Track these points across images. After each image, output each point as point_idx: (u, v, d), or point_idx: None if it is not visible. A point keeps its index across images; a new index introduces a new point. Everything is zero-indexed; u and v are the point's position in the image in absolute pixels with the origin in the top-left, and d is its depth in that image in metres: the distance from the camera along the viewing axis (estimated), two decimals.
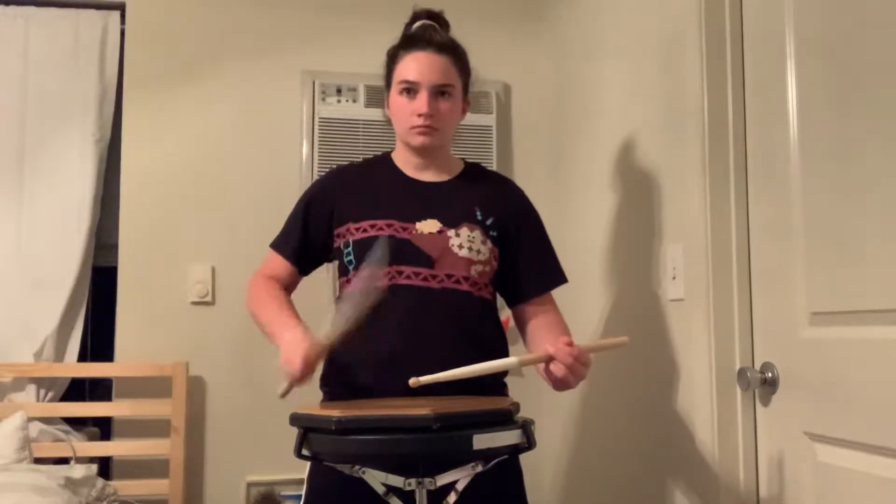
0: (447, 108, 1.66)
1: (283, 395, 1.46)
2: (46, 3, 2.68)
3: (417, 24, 1.71)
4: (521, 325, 1.74)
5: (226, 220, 2.69)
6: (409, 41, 1.68)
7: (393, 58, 1.70)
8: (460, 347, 1.58)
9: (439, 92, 1.64)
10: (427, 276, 1.60)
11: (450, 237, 1.62)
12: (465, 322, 1.61)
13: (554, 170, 2.78)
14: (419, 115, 1.63)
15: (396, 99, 1.67)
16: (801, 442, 1.54)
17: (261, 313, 1.67)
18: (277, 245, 1.76)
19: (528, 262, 1.71)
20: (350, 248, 1.65)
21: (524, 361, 1.43)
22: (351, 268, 1.65)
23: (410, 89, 1.64)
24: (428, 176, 1.71)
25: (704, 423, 1.77)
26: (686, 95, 1.86)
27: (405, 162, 1.73)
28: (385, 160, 1.76)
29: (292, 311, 1.65)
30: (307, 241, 1.72)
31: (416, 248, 1.61)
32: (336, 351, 1.65)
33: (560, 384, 1.46)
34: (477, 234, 1.64)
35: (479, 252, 1.63)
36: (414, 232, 1.62)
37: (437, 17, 1.73)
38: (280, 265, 1.74)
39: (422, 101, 1.63)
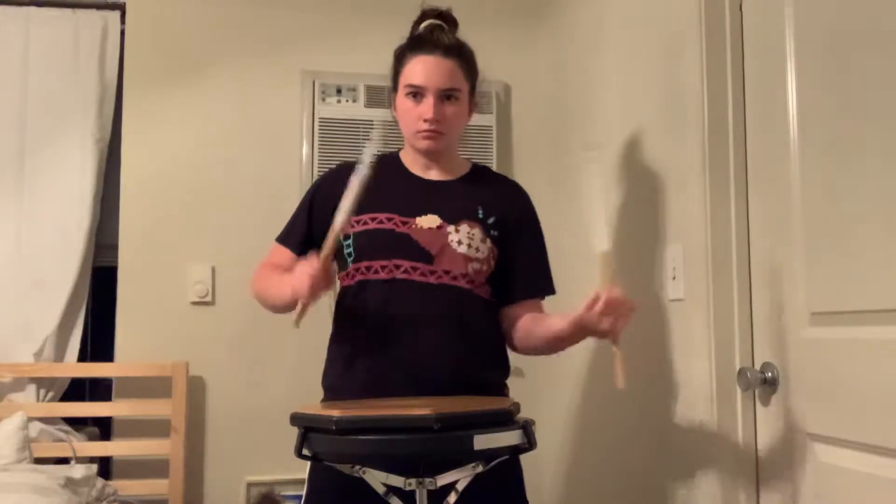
0: (454, 113, 1.65)
1: (297, 319, 1.44)
2: (46, 3, 2.68)
3: (425, 23, 1.69)
4: (510, 324, 1.71)
5: (226, 220, 2.68)
6: (416, 43, 1.67)
7: (400, 59, 1.68)
8: (459, 342, 1.58)
9: (446, 96, 1.63)
10: (425, 272, 1.60)
11: (449, 233, 1.62)
12: (463, 318, 1.61)
13: (554, 170, 2.78)
14: (425, 120, 1.62)
15: (403, 101, 1.66)
16: (801, 442, 1.54)
17: (267, 288, 1.66)
18: (281, 237, 1.76)
19: (524, 265, 1.70)
20: (350, 241, 1.65)
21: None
22: (350, 260, 1.65)
23: (417, 93, 1.63)
24: (433, 174, 1.71)
25: (704, 423, 1.77)
26: (686, 95, 1.86)
27: (412, 161, 1.73)
28: (392, 158, 1.75)
29: None
30: (310, 232, 1.71)
31: (415, 243, 1.61)
32: (335, 347, 1.65)
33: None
34: (477, 231, 1.64)
35: (477, 250, 1.63)
36: (413, 226, 1.62)
37: (445, 17, 1.71)
38: (283, 257, 1.73)
39: (428, 106, 1.62)
